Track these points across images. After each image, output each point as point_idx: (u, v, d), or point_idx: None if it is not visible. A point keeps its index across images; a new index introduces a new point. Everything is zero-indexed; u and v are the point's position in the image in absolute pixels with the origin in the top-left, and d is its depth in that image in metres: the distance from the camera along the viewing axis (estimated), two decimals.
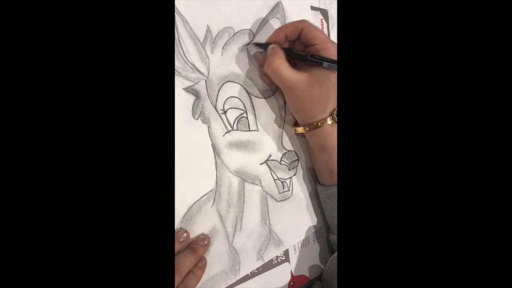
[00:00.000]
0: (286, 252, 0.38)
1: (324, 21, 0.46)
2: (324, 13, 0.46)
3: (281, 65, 0.31)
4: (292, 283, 0.37)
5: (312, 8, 0.44)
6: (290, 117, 0.38)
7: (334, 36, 0.46)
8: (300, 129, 0.35)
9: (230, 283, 0.33)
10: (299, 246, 0.39)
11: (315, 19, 0.45)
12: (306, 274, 0.39)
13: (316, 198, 0.41)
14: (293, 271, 0.38)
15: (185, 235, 0.30)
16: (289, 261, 0.38)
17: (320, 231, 0.41)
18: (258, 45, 0.35)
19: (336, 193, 0.36)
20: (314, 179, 0.41)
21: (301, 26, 0.33)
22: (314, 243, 0.40)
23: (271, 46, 0.33)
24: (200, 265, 0.30)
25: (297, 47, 0.34)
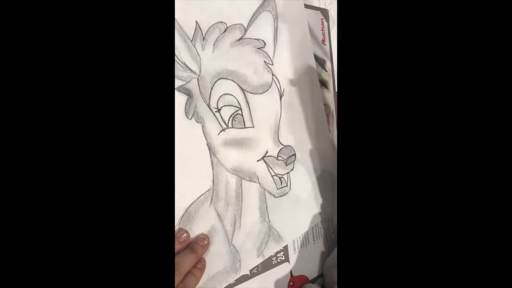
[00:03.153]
0: (286, 252, 0.38)
1: (324, 20, 0.45)
2: (325, 12, 0.45)
3: None
4: (291, 283, 0.38)
5: (312, 7, 0.43)
6: (287, 109, 0.38)
7: (334, 36, 0.45)
8: None
9: (231, 281, 0.33)
10: (299, 246, 0.39)
11: (315, 19, 0.44)
12: (306, 274, 0.39)
13: (314, 192, 0.41)
14: (292, 271, 0.38)
15: (185, 235, 0.30)
16: (288, 261, 0.38)
17: (320, 229, 0.41)
18: None
19: None
20: (312, 173, 0.40)
21: None
22: (314, 243, 0.40)
23: None
24: (199, 266, 0.30)
25: None
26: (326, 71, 0.45)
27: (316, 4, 0.43)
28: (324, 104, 0.43)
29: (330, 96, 0.44)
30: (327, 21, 0.45)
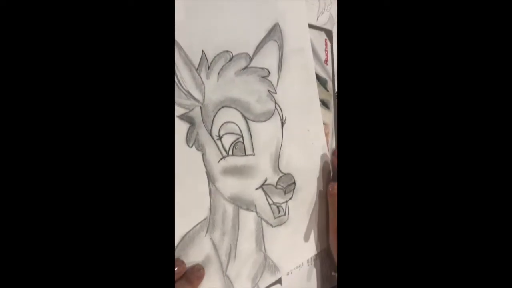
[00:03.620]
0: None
1: (328, 41, 0.46)
2: (328, 33, 0.46)
3: None
4: None
5: (317, 27, 0.44)
6: (289, 137, 0.38)
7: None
8: None
9: None
10: (292, 267, 0.38)
11: (319, 39, 0.44)
12: None
13: (314, 221, 0.40)
14: None
15: (181, 265, 0.29)
16: (280, 283, 0.37)
17: (320, 254, 0.40)
18: None
19: None
20: (311, 201, 0.40)
21: None
22: (308, 265, 0.40)
23: None
24: None
25: None
26: (328, 91, 0.45)
27: (316, 6, 0.44)
28: (324, 124, 0.43)
29: (330, 116, 0.44)
30: (331, 41, 0.46)
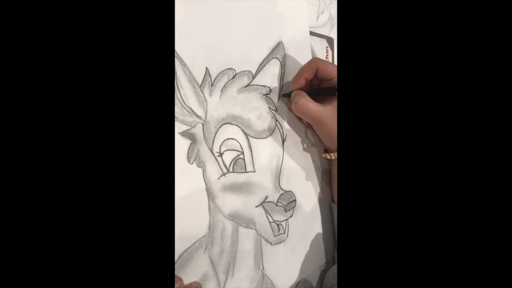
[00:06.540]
0: None
1: (329, 48, 0.46)
2: (330, 40, 0.46)
3: (306, 102, 0.35)
4: None
5: (318, 35, 0.44)
6: (289, 154, 0.38)
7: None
8: (334, 155, 0.38)
9: None
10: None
11: (320, 46, 0.45)
12: None
13: (312, 238, 0.40)
14: None
15: (178, 283, 0.29)
16: None
17: (321, 271, 0.40)
18: (285, 95, 0.38)
19: None
20: (311, 219, 0.40)
21: (316, 65, 0.36)
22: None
23: (293, 93, 0.36)
24: None
25: (313, 84, 0.38)
26: None
27: (316, 5, 0.44)
28: None
29: None
30: (332, 48, 0.46)
